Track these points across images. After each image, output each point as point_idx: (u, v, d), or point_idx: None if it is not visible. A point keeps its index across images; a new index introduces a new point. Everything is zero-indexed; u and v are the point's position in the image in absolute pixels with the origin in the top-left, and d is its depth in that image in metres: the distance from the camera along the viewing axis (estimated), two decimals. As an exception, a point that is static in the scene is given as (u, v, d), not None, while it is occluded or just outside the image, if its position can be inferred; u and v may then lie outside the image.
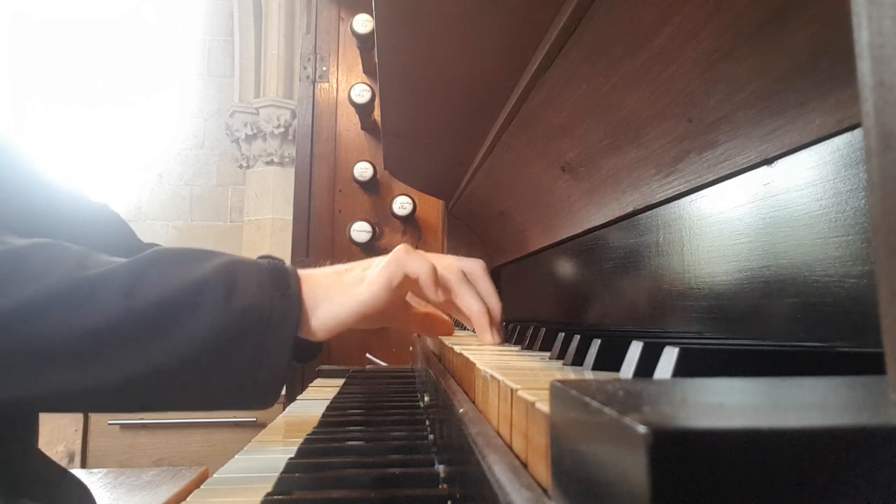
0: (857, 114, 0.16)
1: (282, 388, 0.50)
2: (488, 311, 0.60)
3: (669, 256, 0.58)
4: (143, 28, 3.90)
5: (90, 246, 0.49)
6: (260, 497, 0.45)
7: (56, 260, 0.45)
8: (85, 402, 0.47)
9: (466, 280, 0.60)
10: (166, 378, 0.45)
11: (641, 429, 0.12)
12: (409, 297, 0.61)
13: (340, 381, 1.18)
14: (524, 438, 0.25)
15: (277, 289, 0.49)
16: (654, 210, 0.62)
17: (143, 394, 0.46)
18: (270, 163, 3.66)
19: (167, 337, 0.45)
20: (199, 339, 0.45)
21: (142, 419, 1.99)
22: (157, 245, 0.75)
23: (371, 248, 1.59)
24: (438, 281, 0.56)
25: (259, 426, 1.78)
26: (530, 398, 0.25)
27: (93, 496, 0.65)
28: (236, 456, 0.62)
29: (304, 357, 0.71)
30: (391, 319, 0.61)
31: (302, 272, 0.54)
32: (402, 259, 0.54)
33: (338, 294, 0.53)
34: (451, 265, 0.60)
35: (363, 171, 1.58)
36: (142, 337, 0.44)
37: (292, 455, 0.57)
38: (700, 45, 0.44)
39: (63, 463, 2.32)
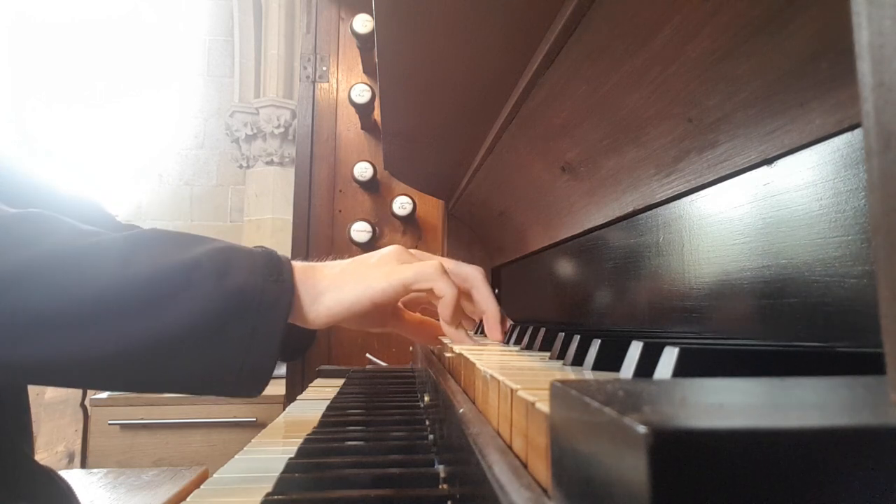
0: (857, 114, 0.16)
1: (269, 377, 0.49)
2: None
3: (669, 256, 0.58)
4: (143, 28, 3.90)
5: None
6: (260, 497, 0.45)
7: (51, 228, 0.45)
8: (71, 374, 0.46)
9: (484, 279, 0.61)
10: (154, 355, 0.45)
11: (641, 429, 0.12)
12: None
13: (340, 381, 1.18)
14: (524, 438, 0.25)
15: (270, 274, 0.49)
16: (654, 210, 0.62)
17: (128, 370, 0.45)
18: (270, 163, 3.66)
19: (156, 312, 0.44)
20: (189, 318, 0.45)
21: (142, 419, 1.99)
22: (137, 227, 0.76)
23: (371, 249, 1.58)
24: (457, 307, 0.57)
25: (259, 426, 1.78)
26: (530, 398, 0.25)
27: (76, 495, 0.65)
28: (236, 456, 0.62)
29: (295, 353, 0.71)
30: (385, 323, 0.61)
31: (304, 263, 0.54)
32: (433, 275, 0.55)
33: (349, 282, 0.53)
34: (454, 270, 0.61)
35: (363, 171, 1.58)
36: (133, 310, 0.44)
37: (292, 455, 0.57)
38: (700, 45, 0.44)
39: (63, 463, 2.32)
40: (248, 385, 0.48)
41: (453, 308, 0.56)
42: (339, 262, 0.57)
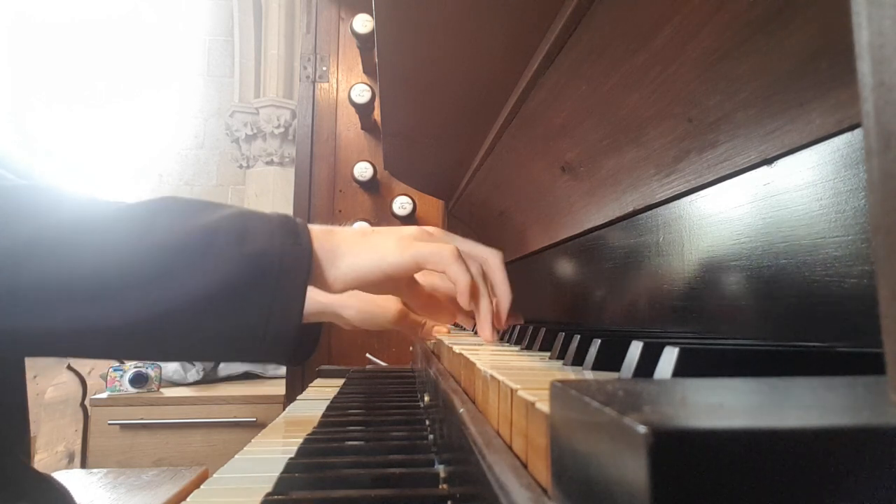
0: (857, 114, 0.16)
1: (293, 342, 0.49)
2: (495, 307, 0.61)
3: (669, 256, 0.58)
4: (143, 28, 3.90)
5: None
6: (260, 497, 0.45)
7: (64, 196, 0.44)
8: (94, 344, 0.45)
9: (482, 276, 0.60)
10: (175, 323, 0.44)
11: (641, 429, 0.12)
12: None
13: (340, 381, 1.18)
14: (524, 438, 0.25)
15: (288, 236, 0.49)
16: (654, 210, 0.62)
17: (149, 338, 0.45)
18: (270, 163, 3.66)
19: (177, 280, 0.44)
20: (210, 284, 0.44)
21: (142, 419, 1.99)
22: None
23: (371, 248, 1.59)
24: (474, 293, 0.57)
25: (259, 426, 1.78)
26: (530, 398, 0.25)
27: (74, 499, 0.65)
28: (236, 456, 0.62)
29: (300, 355, 0.70)
30: (399, 291, 0.61)
31: (322, 227, 0.55)
32: (450, 260, 0.55)
33: (365, 250, 0.54)
34: (470, 252, 0.61)
35: (363, 171, 1.58)
36: (152, 278, 0.43)
37: (292, 455, 0.57)
38: (700, 44, 0.44)
39: (63, 463, 2.32)
40: (272, 350, 0.48)
41: (468, 294, 0.57)
42: (356, 227, 0.57)
